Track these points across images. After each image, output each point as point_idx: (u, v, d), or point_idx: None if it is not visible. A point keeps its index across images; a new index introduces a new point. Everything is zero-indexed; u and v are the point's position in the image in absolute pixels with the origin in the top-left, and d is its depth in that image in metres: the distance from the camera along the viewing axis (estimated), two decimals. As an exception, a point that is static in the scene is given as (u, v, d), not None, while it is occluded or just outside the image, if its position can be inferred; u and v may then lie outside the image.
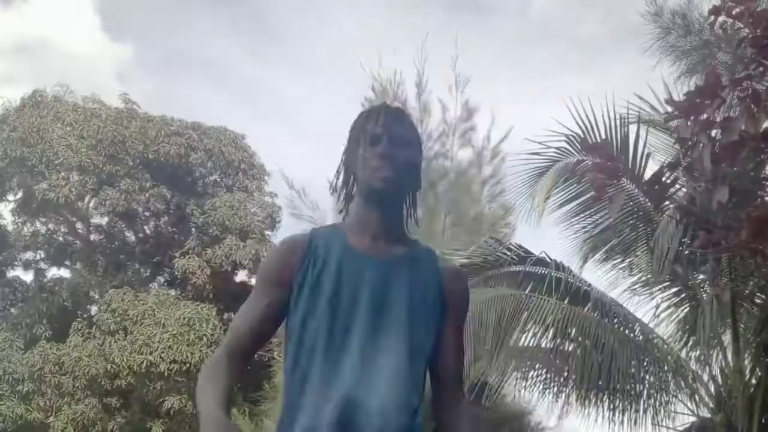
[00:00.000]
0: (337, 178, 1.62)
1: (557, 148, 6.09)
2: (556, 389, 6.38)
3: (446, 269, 1.62)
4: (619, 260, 6.47)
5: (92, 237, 15.76)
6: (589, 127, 5.86)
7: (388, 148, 1.52)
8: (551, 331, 6.21)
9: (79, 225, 15.75)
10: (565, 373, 6.30)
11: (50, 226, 15.81)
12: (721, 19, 3.55)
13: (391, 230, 1.57)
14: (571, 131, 5.88)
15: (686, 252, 5.24)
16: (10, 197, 15.30)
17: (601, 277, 6.55)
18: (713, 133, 3.34)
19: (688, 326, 6.26)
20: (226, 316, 14.65)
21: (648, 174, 5.82)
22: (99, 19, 32.53)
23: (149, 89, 28.68)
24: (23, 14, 27.61)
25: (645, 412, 6.11)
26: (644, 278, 6.38)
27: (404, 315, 1.49)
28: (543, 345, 6.37)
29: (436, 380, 1.57)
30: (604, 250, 6.40)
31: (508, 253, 6.64)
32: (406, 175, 1.56)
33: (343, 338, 1.47)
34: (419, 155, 1.62)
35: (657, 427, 6.16)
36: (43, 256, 15.82)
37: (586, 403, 6.19)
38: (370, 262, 1.52)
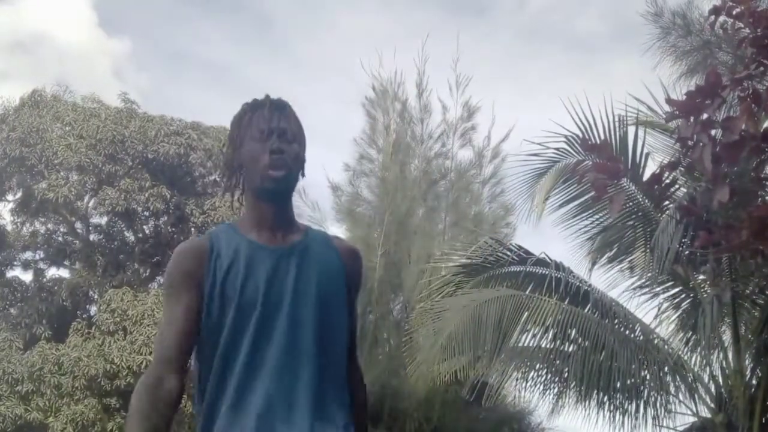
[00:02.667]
0: (227, 175, 1.61)
1: (557, 149, 6.08)
2: (556, 389, 6.38)
3: (342, 248, 1.63)
4: (619, 260, 6.46)
5: (91, 237, 15.74)
6: (588, 128, 5.85)
7: (276, 144, 1.52)
8: (551, 332, 6.21)
9: (78, 225, 15.74)
10: (566, 374, 6.29)
11: (49, 225, 15.79)
12: (721, 19, 3.53)
13: (287, 221, 1.58)
14: (571, 132, 5.88)
15: (686, 252, 5.22)
16: (10, 197, 15.28)
17: (600, 277, 6.55)
18: (714, 132, 3.32)
19: (688, 326, 6.26)
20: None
21: (647, 174, 5.82)
22: (95, 14, 32.56)
23: (146, 86, 28.70)
24: (19, 10, 27.60)
25: (645, 412, 6.11)
26: (644, 278, 6.37)
27: (320, 299, 1.51)
28: (543, 345, 6.36)
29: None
30: (604, 249, 6.39)
31: (509, 253, 6.64)
32: (295, 168, 1.57)
33: (258, 337, 1.46)
34: (304, 145, 1.62)
35: (657, 427, 6.16)
36: (42, 256, 15.80)
37: (587, 403, 6.19)
38: (272, 253, 1.52)
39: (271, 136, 1.53)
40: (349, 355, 1.59)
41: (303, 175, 1.63)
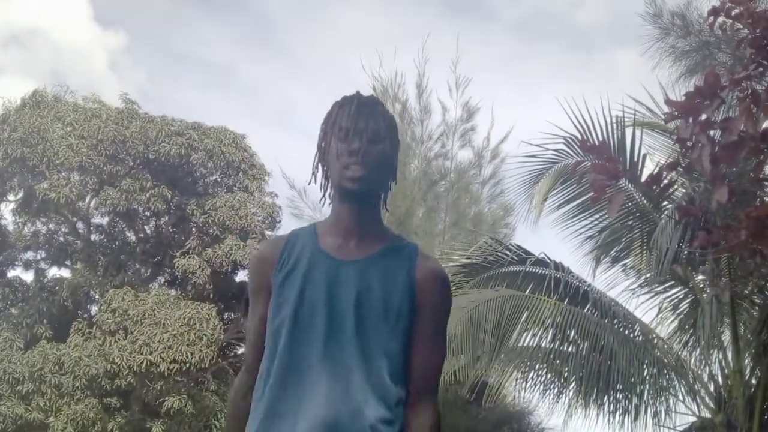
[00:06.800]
0: (315, 172, 1.55)
1: (555, 150, 6.10)
2: (556, 390, 6.39)
3: (423, 266, 1.49)
4: (618, 261, 6.47)
5: (93, 237, 15.75)
6: (586, 129, 5.87)
7: (359, 144, 1.44)
8: (551, 332, 6.22)
9: (79, 225, 15.75)
10: (566, 374, 6.31)
11: (51, 226, 15.81)
12: (720, 19, 3.54)
13: (365, 228, 1.50)
14: (569, 133, 5.90)
15: (685, 252, 5.23)
16: (11, 197, 15.30)
17: (600, 277, 6.57)
18: (712, 133, 3.33)
19: (688, 326, 6.27)
20: (226, 315, 14.65)
21: (645, 174, 5.82)
22: (90, 8, 32.60)
23: (142, 80, 28.66)
24: (13, 3, 27.56)
25: (645, 411, 6.12)
26: (644, 278, 6.39)
27: (362, 316, 1.43)
28: (543, 345, 6.37)
29: (408, 381, 1.48)
30: (603, 250, 6.40)
31: (508, 253, 6.65)
32: (380, 170, 1.48)
33: (300, 348, 1.44)
34: (394, 146, 1.52)
35: (657, 426, 6.17)
36: (43, 256, 15.82)
37: (587, 403, 6.20)
38: (336, 265, 1.47)
39: (353, 135, 1.45)
40: (408, 388, 1.47)
41: (394, 180, 1.52)
